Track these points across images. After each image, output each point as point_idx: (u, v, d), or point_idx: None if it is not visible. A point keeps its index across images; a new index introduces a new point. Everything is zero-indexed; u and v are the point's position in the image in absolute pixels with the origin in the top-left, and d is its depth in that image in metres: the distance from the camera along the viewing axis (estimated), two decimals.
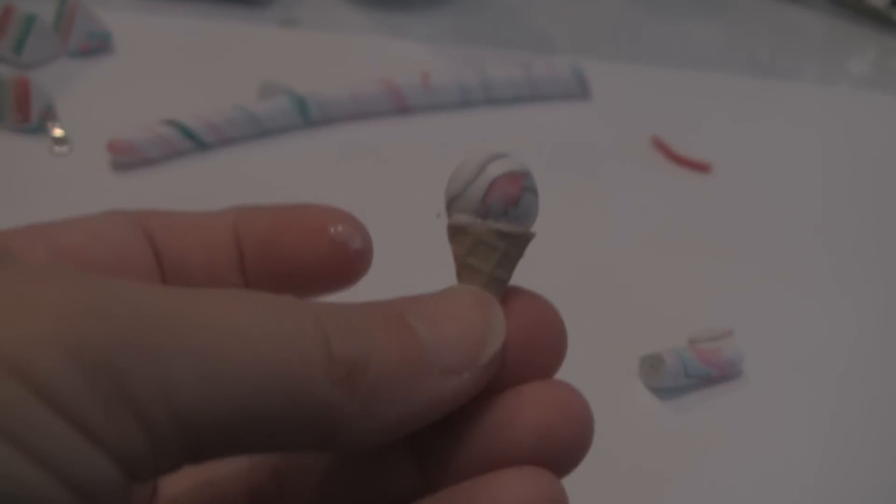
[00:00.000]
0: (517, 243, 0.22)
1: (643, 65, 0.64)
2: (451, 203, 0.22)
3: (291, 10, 0.65)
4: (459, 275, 0.22)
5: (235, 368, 0.16)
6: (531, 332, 0.21)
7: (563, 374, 0.22)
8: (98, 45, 0.58)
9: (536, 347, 0.21)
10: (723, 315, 0.45)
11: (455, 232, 0.22)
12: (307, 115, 0.54)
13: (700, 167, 0.55)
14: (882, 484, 0.39)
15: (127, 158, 0.50)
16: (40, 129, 0.51)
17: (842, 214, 0.54)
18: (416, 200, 0.50)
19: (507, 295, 0.22)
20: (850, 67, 0.70)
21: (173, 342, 0.16)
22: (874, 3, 0.72)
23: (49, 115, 0.51)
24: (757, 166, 0.57)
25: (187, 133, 0.51)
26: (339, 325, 0.18)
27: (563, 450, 0.20)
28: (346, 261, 0.22)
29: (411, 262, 0.39)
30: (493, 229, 0.21)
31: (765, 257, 0.50)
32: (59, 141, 0.51)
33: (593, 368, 0.40)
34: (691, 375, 0.41)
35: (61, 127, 0.51)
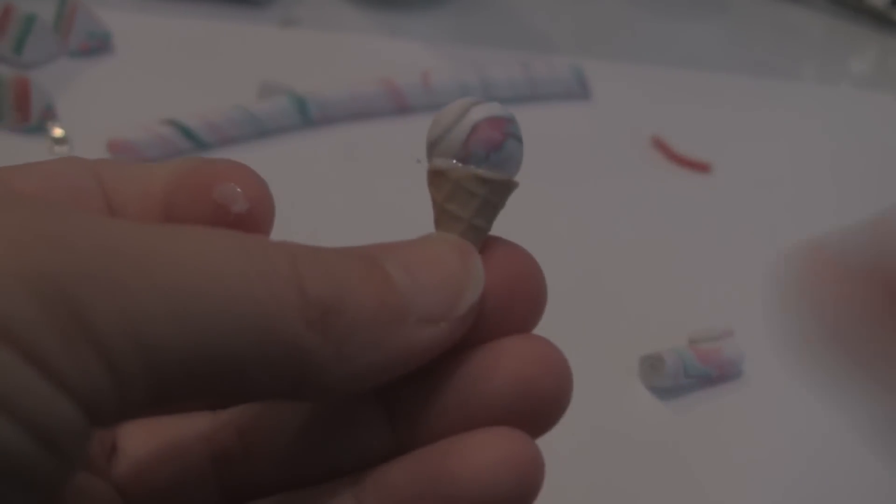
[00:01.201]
0: (498, 190, 0.21)
1: (643, 65, 0.64)
2: (432, 147, 0.21)
3: (291, 10, 0.65)
4: (437, 221, 0.21)
5: (205, 305, 0.16)
6: (510, 284, 0.20)
7: None
8: (98, 45, 0.58)
9: (515, 299, 0.20)
10: (723, 315, 0.45)
11: (434, 177, 0.21)
12: (307, 115, 0.54)
13: (700, 167, 0.55)
14: (882, 484, 0.39)
15: (127, 158, 0.50)
16: (40, 129, 0.51)
17: (842, 214, 0.54)
18: (416, 200, 0.50)
19: (485, 244, 0.21)
20: (850, 67, 0.70)
21: (140, 276, 0.15)
22: (874, 3, 0.72)
23: (49, 115, 0.51)
24: (757, 166, 0.57)
25: (187, 133, 0.51)
26: (315, 266, 0.17)
27: (541, 404, 0.20)
28: (228, 224, 0.20)
29: None
30: (473, 174, 0.21)
31: (765, 257, 0.50)
32: (59, 141, 0.51)
33: (593, 368, 0.40)
34: (691, 375, 0.41)
35: (61, 127, 0.51)
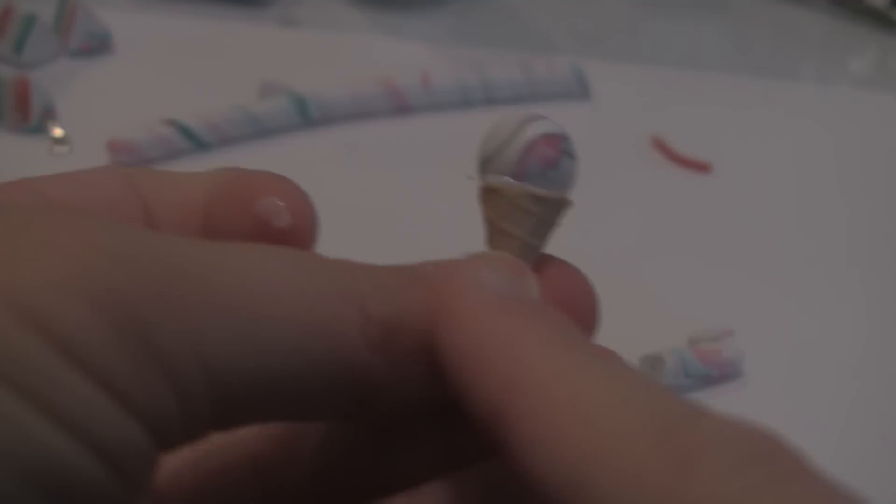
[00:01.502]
0: (553, 209, 0.21)
1: (643, 65, 0.64)
2: (485, 164, 0.21)
3: (291, 10, 0.65)
4: (490, 240, 0.21)
5: (269, 327, 0.15)
6: (564, 303, 0.20)
7: None
8: (98, 45, 0.58)
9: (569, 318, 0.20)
10: (723, 315, 0.45)
11: (488, 194, 0.21)
12: (307, 115, 0.54)
13: (700, 167, 0.55)
14: (883, 483, 0.39)
15: (127, 158, 0.50)
16: (40, 129, 0.51)
17: (842, 214, 0.54)
18: (416, 200, 0.50)
19: (539, 263, 0.21)
20: (850, 67, 0.70)
21: (205, 296, 0.15)
22: (874, 3, 0.72)
23: (49, 115, 0.51)
24: (757, 166, 0.57)
25: (187, 133, 0.51)
26: (375, 286, 0.17)
27: None
28: (271, 239, 0.19)
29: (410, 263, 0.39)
30: (529, 193, 0.20)
31: (765, 257, 0.50)
32: (59, 141, 0.51)
33: None
34: (691, 375, 0.41)
35: (61, 127, 0.51)
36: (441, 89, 0.57)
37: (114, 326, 0.14)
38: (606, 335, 0.47)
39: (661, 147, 0.56)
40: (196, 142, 0.51)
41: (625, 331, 0.44)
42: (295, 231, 0.20)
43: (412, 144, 0.55)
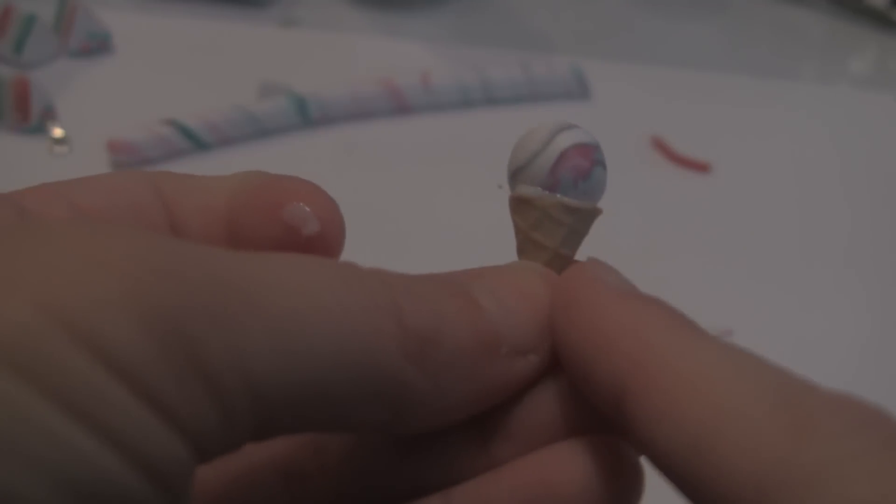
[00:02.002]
0: (585, 219, 0.21)
1: (643, 65, 0.64)
2: (516, 174, 0.20)
3: (291, 10, 0.65)
4: (521, 250, 0.21)
5: (310, 339, 0.15)
6: None
7: None
8: (98, 45, 0.58)
9: None
10: (723, 315, 0.45)
11: (519, 204, 0.21)
12: (307, 115, 0.54)
13: (699, 167, 0.55)
14: None
15: (127, 158, 0.50)
16: (40, 129, 0.51)
17: (841, 214, 0.54)
18: (416, 200, 0.50)
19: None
20: (850, 67, 0.70)
21: (250, 309, 0.15)
22: (874, 3, 0.72)
23: (49, 115, 0.51)
24: (756, 166, 0.57)
25: (187, 133, 0.51)
26: (412, 297, 0.17)
27: None
28: (299, 247, 0.19)
29: (409, 265, 0.39)
30: (561, 203, 0.20)
31: (764, 257, 0.50)
32: (59, 141, 0.51)
33: None
34: None
35: (61, 127, 0.51)
36: (441, 89, 0.57)
37: (160, 342, 0.14)
38: None
39: (661, 147, 0.56)
40: (196, 142, 0.51)
41: None
42: (323, 238, 0.19)
43: (412, 144, 0.55)
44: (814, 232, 0.53)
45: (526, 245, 0.21)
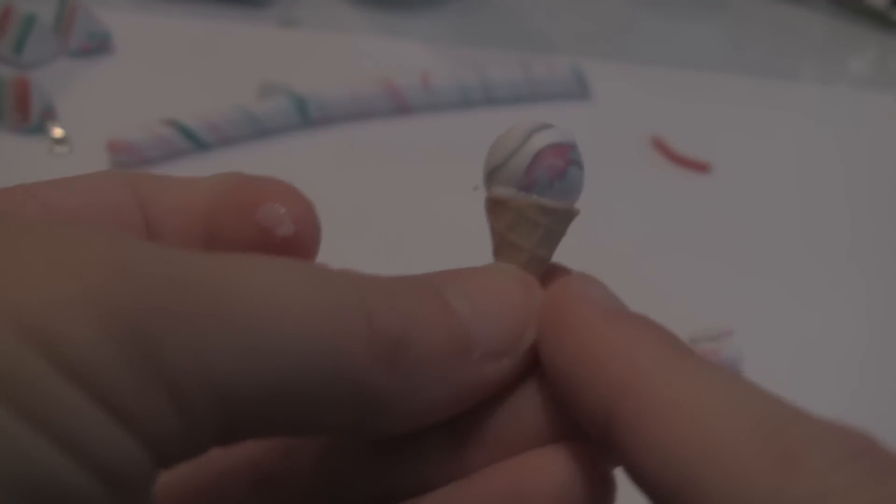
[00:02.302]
0: (561, 220, 0.20)
1: (643, 65, 0.64)
2: (492, 174, 0.20)
3: (291, 10, 0.65)
4: (498, 251, 0.21)
5: (275, 341, 0.15)
6: None
7: None
8: (98, 45, 0.58)
9: None
10: (722, 315, 0.45)
11: (495, 205, 0.20)
12: (307, 115, 0.54)
13: (699, 167, 0.55)
14: None
15: (127, 158, 0.50)
16: (40, 129, 0.51)
17: (841, 214, 0.54)
18: (415, 200, 0.50)
19: (547, 273, 0.21)
20: (849, 67, 0.70)
21: (212, 310, 0.15)
22: (874, 3, 0.72)
23: (49, 115, 0.51)
24: (756, 166, 0.57)
25: (187, 133, 0.51)
26: (383, 298, 0.17)
27: None
28: (274, 248, 0.19)
29: (409, 266, 0.39)
30: (537, 204, 0.20)
31: (764, 257, 0.50)
32: (59, 141, 0.51)
33: None
34: None
35: (61, 127, 0.51)
36: (441, 89, 0.57)
37: (118, 344, 0.14)
38: None
39: (661, 147, 0.56)
40: (196, 142, 0.51)
41: None
42: (298, 239, 0.19)
43: (412, 144, 0.55)
44: (814, 232, 0.53)
45: (502, 246, 0.21)
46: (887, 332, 0.47)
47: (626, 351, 0.17)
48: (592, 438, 0.18)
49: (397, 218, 0.49)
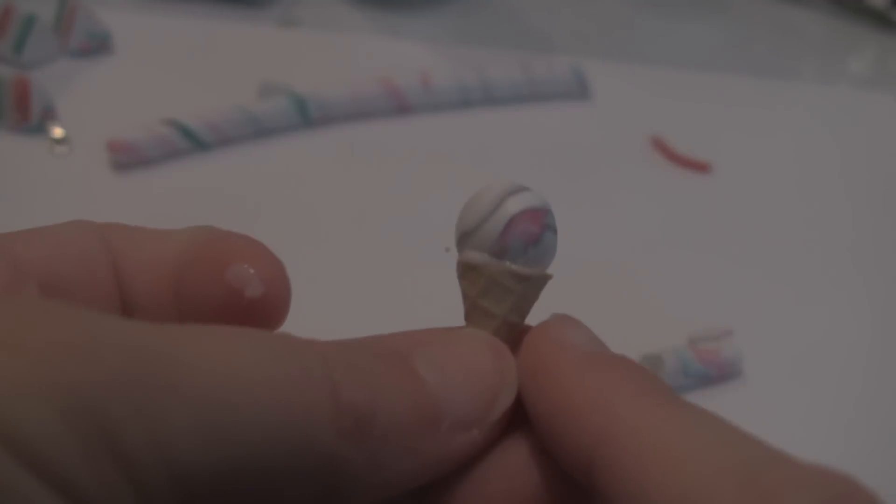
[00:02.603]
0: (535, 285, 0.20)
1: (643, 65, 0.64)
2: (464, 238, 0.20)
3: (291, 10, 0.65)
4: (469, 316, 0.20)
5: (235, 417, 0.15)
6: None
7: None
8: (98, 45, 0.58)
9: None
10: (723, 315, 0.45)
11: (467, 270, 0.20)
12: (307, 115, 0.54)
13: (699, 167, 0.55)
14: (883, 484, 0.39)
15: (127, 158, 0.50)
16: (40, 129, 0.51)
17: (841, 214, 0.54)
18: (416, 201, 0.50)
19: (519, 338, 0.20)
20: (849, 67, 0.70)
21: (168, 389, 0.15)
22: (874, 3, 0.72)
23: (49, 115, 0.51)
24: (756, 166, 0.57)
25: (187, 133, 0.51)
26: (348, 369, 0.17)
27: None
28: (241, 309, 0.19)
29: (409, 265, 0.39)
30: (510, 271, 0.19)
31: (764, 257, 0.50)
32: (59, 141, 0.51)
33: None
34: (690, 375, 0.41)
35: (61, 127, 0.51)
36: (441, 89, 0.57)
37: (70, 421, 0.14)
38: (607, 335, 0.47)
39: (661, 147, 0.56)
40: (196, 142, 0.51)
41: (625, 330, 0.44)
42: (267, 300, 0.19)
43: (412, 144, 0.55)
44: (814, 232, 0.53)
45: (473, 312, 0.20)
46: (888, 331, 0.47)
47: (604, 398, 0.17)
48: (580, 484, 0.18)
49: (397, 218, 0.48)
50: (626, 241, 0.50)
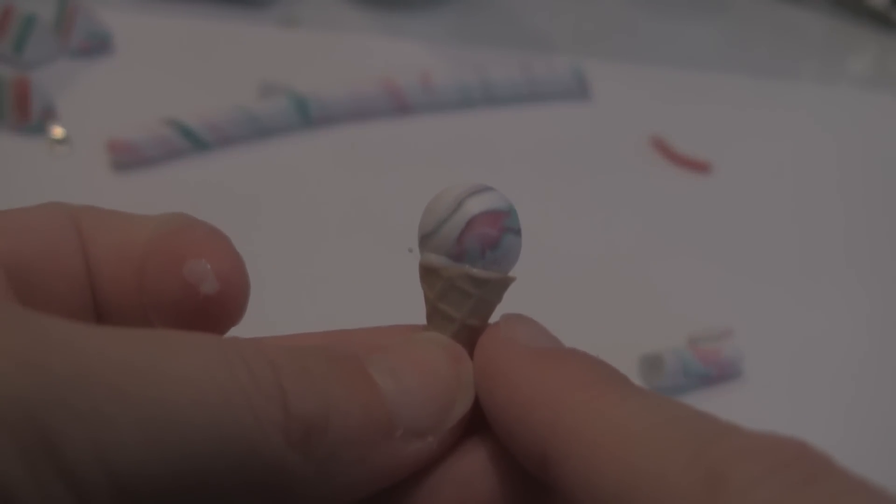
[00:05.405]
0: (494, 289, 0.20)
1: (643, 65, 0.64)
2: (423, 240, 0.20)
3: (291, 10, 0.65)
4: (429, 319, 0.20)
5: (182, 429, 0.15)
6: None
7: None
8: (98, 45, 0.58)
9: None
10: (722, 315, 0.45)
11: (426, 273, 0.20)
12: (307, 115, 0.54)
13: (699, 167, 0.55)
14: (882, 483, 0.39)
15: (127, 158, 0.50)
16: (40, 129, 0.51)
17: (841, 214, 0.54)
18: (415, 200, 0.50)
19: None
20: (849, 67, 0.70)
21: (114, 401, 0.14)
22: (874, 3, 0.72)
23: (49, 115, 0.51)
24: (756, 166, 0.57)
25: (187, 133, 0.51)
26: (297, 376, 0.16)
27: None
28: (196, 305, 0.18)
29: (409, 265, 0.39)
30: (467, 274, 0.19)
31: (764, 257, 0.50)
32: (59, 141, 0.51)
33: None
34: (691, 375, 0.41)
35: (61, 127, 0.51)
36: (441, 89, 0.57)
37: (12, 433, 0.14)
38: (607, 335, 0.47)
39: (661, 147, 0.56)
40: (196, 142, 0.51)
41: (625, 330, 0.44)
42: (222, 297, 0.19)
43: (412, 144, 0.55)
44: (814, 232, 0.53)
45: (433, 315, 0.20)
46: (887, 332, 0.46)
47: (551, 393, 0.17)
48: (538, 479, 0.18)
49: (397, 218, 0.48)
50: (626, 241, 0.50)
